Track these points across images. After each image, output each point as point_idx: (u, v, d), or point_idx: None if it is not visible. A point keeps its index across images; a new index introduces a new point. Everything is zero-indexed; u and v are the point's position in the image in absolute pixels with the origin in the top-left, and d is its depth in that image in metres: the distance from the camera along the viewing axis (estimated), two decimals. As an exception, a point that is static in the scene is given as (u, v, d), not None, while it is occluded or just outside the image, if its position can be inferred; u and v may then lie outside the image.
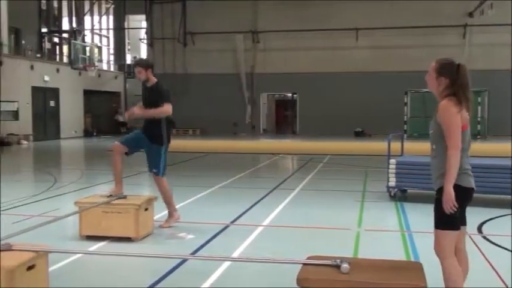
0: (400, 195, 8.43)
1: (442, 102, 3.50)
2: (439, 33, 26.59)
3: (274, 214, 7.43)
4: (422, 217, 6.79)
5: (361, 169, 12.86)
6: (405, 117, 25.97)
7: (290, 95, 31.17)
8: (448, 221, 3.46)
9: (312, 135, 26.71)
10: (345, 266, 3.35)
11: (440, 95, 3.56)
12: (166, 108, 6.45)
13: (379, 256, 4.17)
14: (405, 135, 21.46)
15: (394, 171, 8.34)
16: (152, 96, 6.52)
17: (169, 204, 6.59)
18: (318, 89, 28.30)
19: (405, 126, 25.53)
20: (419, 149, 10.67)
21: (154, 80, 6.61)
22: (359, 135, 27.37)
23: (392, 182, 8.37)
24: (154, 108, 6.42)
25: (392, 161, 8.43)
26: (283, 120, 33.46)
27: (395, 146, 9.26)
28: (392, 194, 8.44)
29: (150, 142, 6.49)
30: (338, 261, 3.41)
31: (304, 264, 3.55)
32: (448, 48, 24.20)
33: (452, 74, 3.51)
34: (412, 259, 5.10)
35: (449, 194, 3.38)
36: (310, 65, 28.37)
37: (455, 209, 3.40)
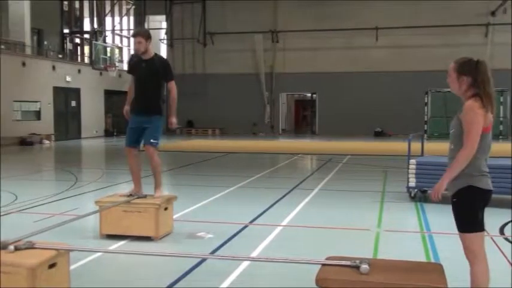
0: (420, 196, 8.37)
1: (467, 102, 3.43)
2: (461, 32, 26.32)
3: (293, 214, 7.42)
4: (442, 218, 6.71)
5: (381, 169, 12.78)
6: (426, 117, 25.72)
7: (309, 94, 31.10)
8: (472, 223, 3.41)
9: (331, 135, 26.62)
10: (364, 266, 3.33)
11: (465, 95, 3.49)
12: (175, 88, 6.37)
13: (399, 257, 4.14)
14: (425, 135, 21.31)
15: (414, 171, 8.27)
16: (153, 70, 6.20)
17: (159, 177, 6.41)
18: (338, 89, 28.20)
19: (425, 126, 25.28)
20: (439, 149, 10.57)
21: (152, 52, 6.27)
22: (379, 135, 27.20)
23: (413, 183, 8.30)
24: (152, 83, 6.21)
25: (413, 161, 8.37)
26: (303, 120, 33.41)
27: (416, 146, 9.18)
28: (412, 194, 8.38)
29: (150, 115, 6.25)
30: (357, 261, 3.39)
31: (324, 264, 3.53)
32: (469, 47, 23.95)
33: (472, 72, 3.45)
34: (433, 260, 5.05)
35: (441, 186, 3.44)
36: (330, 65, 28.27)
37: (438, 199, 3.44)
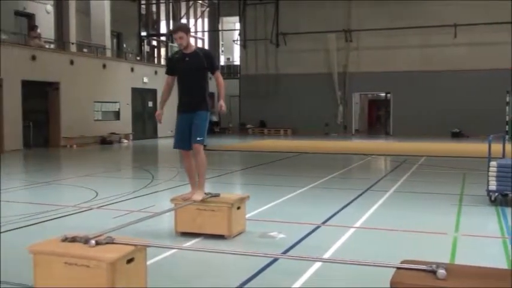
0: (501, 200, 8.01)
1: None
2: (546, 28, 24.96)
3: (366, 216, 7.30)
4: (526, 223, 6.40)
5: (459, 171, 12.34)
6: (507, 117, 24.58)
7: (383, 94, 30.51)
8: None
9: (406, 136, 26.00)
10: (441, 272, 3.22)
11: None
12: (221, 77, 6.30)
13: (478, 263, 3.98)
14: (507, 137, 20.37)
15: (494, 174, 7.92)
16: (198, 62, 6.05)
17: (203, 176, 6.21)
18: (413, 88, 27.51)
19: (507, 127, 24.16)
20: (523, 151, 10.08)
21: (193, 45, 6.16)
22: (456, 136, 26.27)
23: (493, 186, 7.95)
24: (199, 76, 6.08)
25: (493, 163, 8.02)
26: (376, 121, 32.81)
27: (496, 147, 8.79)
28: (492, 198, 8.03)
29: (196, 110, 6.08)
30: (434, 266, 3.29)
31: (398, 268, 3.45)
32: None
33: None
34: (515, 267, 4.82)
35: None
36: (405, 64, 27.61)
37: None
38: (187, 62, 6.04)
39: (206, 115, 6.17)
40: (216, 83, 6.30)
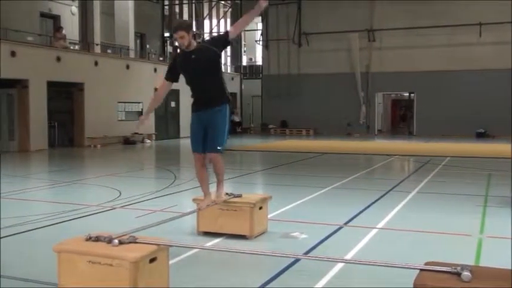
0: (527, 201, 7.87)
1: None
2: None
3: (389, 217, 7.24)
4: (553, 225, 6.28)
5: (484, 172, 12.15)
6: (534, 117, 24.15)
7: (407, 94, 30.23)
8: None
9: (429, 136, 25.73)
10: (466, 274, 3.17)
11: None
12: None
13: (504, 265, 3.92)
14: (534, 137, 20.03)
15: (521, 175, 7.79)
16: (206, 55, 5.51)
17: (222, 177, 5.88)
18: (437, 88, 27.19)
19: (534, 127, 23.74)
20: (550, 151, 9.88)
21: (194, 42, 5.56)
22: (481, 136, 25.88)
23: (519, 187, 7.82)
24: (211, 69, 5.55)
25: (520, 164, 7.88)
26: (400, 121, 32.54)
27: (523, 148, 8.64)
28: (518, 199, 7.89)
29: (213, 106, 5.58)
30: (458, 268, 3.24)
31: (422, 269, 3.41)
32: None
33: None
34: (542, 270, 4.72)
35: None
36: (429, 63, 27.31)
37: None
38: (195, 60, 5.51)
39: (226, 109, 5.65)
40: (242, 26, 5.80)
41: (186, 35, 5.43)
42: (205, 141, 5.61)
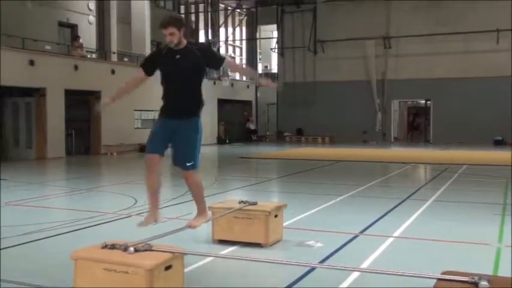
0: (547, 210, 7.75)
1: None
2: None
3: (405, 225, 7.17)
4: None
5: (502, 180, 12.01)
6: (553, 125, 23.86)
7: (423, 101, 30.04)
8: None
9: (446, 144, 25.52)
10: (483, 283, 3.14)
11: None
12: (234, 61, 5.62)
13: (523, 275, 3.86)
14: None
15: (540, 183, 7.69)
16: (191, 60, 5.00)
17: (201, 201, 5.41)
18: (454, 95, 26.99)
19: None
20: None
21: (184, 41, 5.04)
22: (499, 144, 25.60)
23: (538, 195, 7.72)
24: (193, 76, 5.08)
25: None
26: (416, 128, 32.30)
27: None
28: (538, 208, 7.78)
29: (185, 116, 5.06)
30: (476, 278, 3.20)
31: (439, 279, 3.38)
32: None
33: None
34: (562, 280, 4.64)
35: None
36: (445, 70, 27.14)
37: None
38: (179, 61, 4.98)
39: (198, 123, 5.10)
40: (235, 70, 5.52)
41: (177, 32, 4.90)
42: (167, 144, 5.10)
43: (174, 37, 4.91)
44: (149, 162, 5.03)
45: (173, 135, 5.04)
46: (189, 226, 5.27)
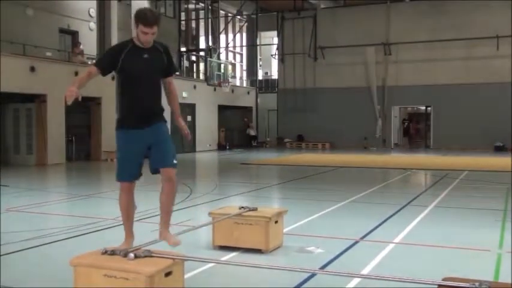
0: (547, 216, 7.74)
1: None
2: None
3: (406, 231, 7.17)
4: None
5: (503, 186, 12.00)
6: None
7: (423, 108, 30.05)
8: None
9: (447, 150, 25.51)
10: (484, 290, 3.13)
11: None
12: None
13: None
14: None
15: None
16: (159, 61, 4.61)
17: (171, 210, 4.94)
18: (454, 101, 27.00)
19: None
20: None
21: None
22: (499, 150, 25.59)
23: (539, 201, 7.71)
24: (157, 79, 4.64)
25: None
26: (416, 134, 32.30)
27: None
28: (538, 214, 7.77)
29: (158, 121, 4.66)
30: (477, 284, 3.20)
31: (440, 285, 3.37)
32: None
33: None
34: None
35: None
36: (446, 77, 27.18)
37: None
38: (147, 60, 4.52)
39: (167, 128, 4.76)
40: (170, 92, 4.79)
41: (155, 31, 4.45)
42: (142, 162, 4.63)
43: (153, 37, 4.47)
44: (124, 190, 4.61)
45: (150, 146, 4.57)
46: (175, 244, 4.69)
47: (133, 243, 4.63)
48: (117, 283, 3.85)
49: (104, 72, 4.53)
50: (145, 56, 4.50)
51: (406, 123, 30.40)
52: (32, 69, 17.79)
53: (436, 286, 3.37)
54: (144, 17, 4.37)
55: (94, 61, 4.05)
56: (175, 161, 4.63)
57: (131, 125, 4.53)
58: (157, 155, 4.59)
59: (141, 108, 4.55)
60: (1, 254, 5.79)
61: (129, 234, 4.66)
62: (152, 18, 4.39)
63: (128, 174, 4.59)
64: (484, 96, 26.17)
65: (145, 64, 4.50)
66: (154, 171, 4.66)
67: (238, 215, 5.99)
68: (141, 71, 4.49)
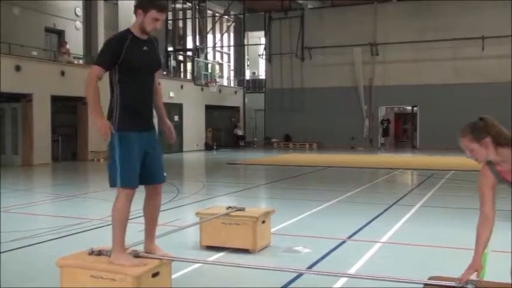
0: (532, 215, 7.82)
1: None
2: None
3: (393, 231, 7.21)
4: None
5: (488, 186, 12.08)
6: (538, 130, 24.08)
7: (410, 108, 30.24)
8: None
9: (433, 150, 25.68)
10: (470, 288, 3.16)
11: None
12: None
13: (509, 280, 3.89)
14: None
15: (525, 188, 7.75)
16: (156, 55, 4.30)
17: (156, 224, 4.63)
18: (440, 101, 27.18)
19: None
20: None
21: None
22: (485, 150, 25.76)
23: (524, 201, 7.78)
24: (153, 76, 4.25)
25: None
26: (403, 134, 32.46)
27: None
28: (523, 213, 7.85)
29: (153, 129, 4.28)
30: (463, 283, 3.23)
31: (426, 284, 3.40)
32: None
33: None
34: (547, 285, 4.68)
35: None
36: (432, 77, 27.36)
37: None
38: (147, 53, 4.12)
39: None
40: (155, 89, 4.32)
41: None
42: (149, 170, 4.23)
43: (160, 24, 4.07)
44: (128, 198, 4.27)
45: (145, 154, 4.15)
46: (164, 256, 4.30)
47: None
48: (104, 284, 3.83)
49: (109, 69, 3.98)
50: (145, 48, 4.07)
51: (386, 124, 30.49)
52: (18, 68, 17.63)
53: (422, 285, 3.39)
54: (158, 2, 3.95)
55: (94, 61, 3.70)
56: (165, 174, 4.34)
57: (132, 127, 4.05)
58: (152, 167, 4.21)
59: (142, 108, 4.12)
60: (-14, 255, 5.73)
61: (123, 246, 4.12)
62: (165, 3, 4.08)
63: (135, 179, 4.16)
64: (470, 97, 26.36)
65: (146, 57, 4.10)
66: (144, 182, 4.30)
67: (226, 215, 5.99)
68: (143, 64, 4.06)
